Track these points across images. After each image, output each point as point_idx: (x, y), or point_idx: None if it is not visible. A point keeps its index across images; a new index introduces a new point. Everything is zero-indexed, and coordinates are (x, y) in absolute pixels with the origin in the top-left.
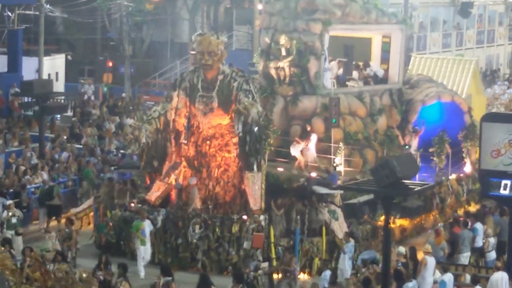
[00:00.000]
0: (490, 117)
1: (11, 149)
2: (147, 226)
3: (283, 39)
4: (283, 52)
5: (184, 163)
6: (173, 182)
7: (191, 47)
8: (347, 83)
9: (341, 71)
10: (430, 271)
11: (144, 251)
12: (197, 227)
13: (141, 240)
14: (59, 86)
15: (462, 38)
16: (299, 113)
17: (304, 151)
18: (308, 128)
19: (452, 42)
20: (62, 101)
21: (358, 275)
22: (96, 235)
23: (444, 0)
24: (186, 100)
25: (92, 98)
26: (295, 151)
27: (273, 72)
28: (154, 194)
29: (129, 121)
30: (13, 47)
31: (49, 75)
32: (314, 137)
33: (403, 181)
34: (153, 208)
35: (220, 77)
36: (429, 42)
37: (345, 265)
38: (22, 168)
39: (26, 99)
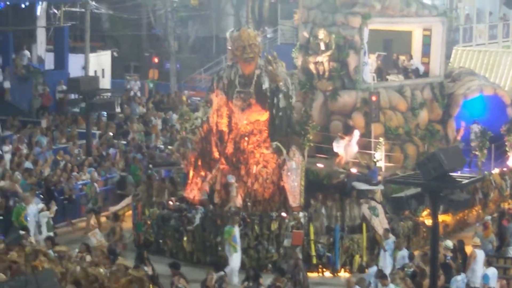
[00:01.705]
0: None
1: (59, 146)
2: (237, 232)
3: (321, 34)
4: (322, 47)
5: (222, 160)
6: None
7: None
8: (387, 77)
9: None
10: (480, 264)
11: (236, 258)
12: (236, 225)
13: (233, 246)
14: (105, 82)
15: (509, 29)
16: (339, 108)
17: (346, 147)
18: (351, 123)
19: (499, 33)
20: (109, 97)
21: (405, 269)
22: (134, 234)
23: None
24: (225, 99)
25: (138, 94)
26: (338, 147)
27: (312, 67)
28: (193, 193)
29: (175, 116)
30: (60, 45)
31: (95, 71)
32: (357, 133)
33: (450, 174)
34: (192, 206)
35: (258, 71)
36: (475, 34)
37: (386, 262)
38: (70, 165)
39: (72, 96)
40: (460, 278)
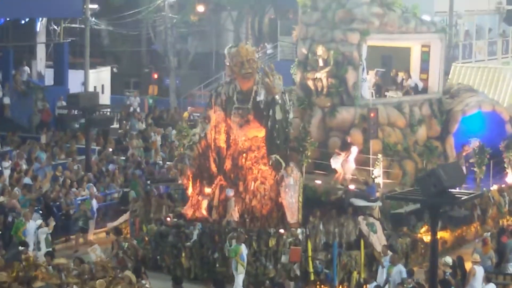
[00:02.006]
0: None
1: (58, 162)
2: (244, 250)
3: (320, 50)
4: (321, 63)
5: (220, 177)
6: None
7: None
8: (385, 93)
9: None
10: (479, 280)
11: (242, 276)
12: (234, 241)
13: (241, 265)
14: (105, 98)
15: (508, 46)
16: (337, 124)
17: (344, 163)
18: (349, 140)
19: (498, 50)
20: (108, 113)
21: (405, 285)
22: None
23: (489, 8)
24: (223, 115)
25: (138, 110)
26: (335, 163)
27: (310, 83)
28: (190, 209)
29: (174, 132)
30: (59, 61)
31: (95, 87)
32: (354, 149)
33: (449, 190)
34: (189, 222)
35: (256, 87)
36: (475, 50)
37: (383, 278)
38: (69, 181)
39: (72, 112)
40: None
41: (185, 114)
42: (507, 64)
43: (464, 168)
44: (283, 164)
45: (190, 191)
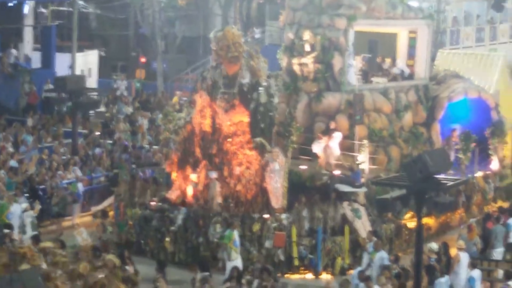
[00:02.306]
0: None
1: (45, 145)
2: (237, 236)
3: (307, 35)
4: (307, 48)
5: (204, 161)
6: (194, 180)
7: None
8: (371, 79)
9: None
10: (464, 266)
11: (236, 263)
12: (218, 226)
13: (234, 251)
14: (92, 82)
15: (496, 33)
16: (323, 110)
17: (326, 148)
18: (332, 126)
19: (486, 36)
20: (95, 97)
21: (390, 271)
22: (116, 234)
23: None
24: (208, 99)
25: (125, 93)
26: (316, 148)
27: (296, 68)
28: (174, 193)
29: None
30: (47, 43)
31: (82, 71)
32: (338, 135)
33: (435, 176)
34: (174, 207)
35: (241, 72)
36: (463, 36)
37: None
38: (55, 164)
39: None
40: (444, 280)
41: (175, 99)
42: (494, 50)
43: (452, 154)
44: (268, 147)
45: (174, 175)
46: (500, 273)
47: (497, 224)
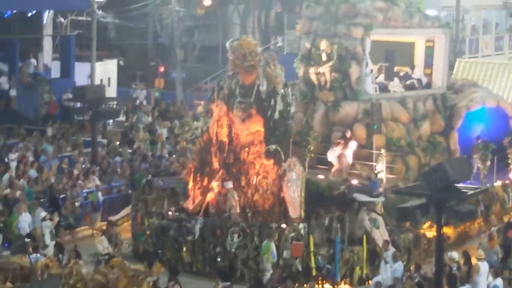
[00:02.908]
0: None
1: (64, 154)
2: (273, 246)
3: (323, 44)
4: (324, 57)
5: (222, 171)
6: (214, 189)
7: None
8: (389, 88)
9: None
10: (484, 276)
11: None
12: (236, 235)
13: (271, 262)
14: (111, 91)
15: None
16: (340, 119)
17: (340, 156)
18: (348, 134)
19: (505, 45)
20: (114, 106)
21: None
22: (133, 244)
23: (496, 3)
24: (225, 109)
25: (144, 103)
26: (331, 156)
27: (313, 77)
28: (192, 203)
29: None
30: (66, 53)
31: (101, 80)
32: (353, 144)
33: (455, 184)
34: (191, 216)
35: (258, 82)
36: (481, 45)
37: (387, 273)
38: (76, 172)
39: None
40: None
41: (200, 108)
42: None
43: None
44: (281, 155)
45: (191, 185)
46: None
47: None
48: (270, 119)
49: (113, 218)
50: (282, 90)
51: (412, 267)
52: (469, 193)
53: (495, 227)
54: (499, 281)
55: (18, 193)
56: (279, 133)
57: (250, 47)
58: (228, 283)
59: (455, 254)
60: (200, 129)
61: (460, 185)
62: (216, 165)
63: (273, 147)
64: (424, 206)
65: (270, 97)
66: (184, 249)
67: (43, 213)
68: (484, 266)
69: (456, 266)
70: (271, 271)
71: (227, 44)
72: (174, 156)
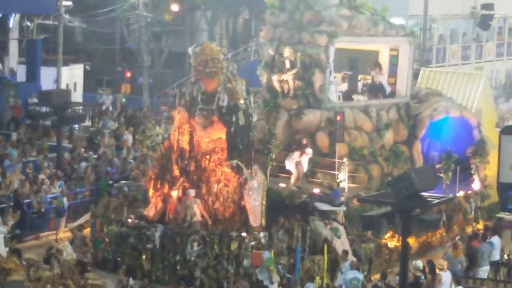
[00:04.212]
0: (510, 130)
1: (29, 159)
2: None
3: (287, 51)
4: (287, 65)
5: (182, 178)
6: (174, 197)
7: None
8: (353, 96)
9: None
10: (446, 285)
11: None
12: (196, 244)
13: (275, 272)
14: (77, 96)
15: (482, 51)
16: (303, 127)
17: (297, 164)
18: (304, 142)
19: (472, 54)
20: (80, 111)
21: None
22: (92, 251)
23: (463, 12)
24: (186, 115)
25: (110, 108)
26: (289, 164)
27: (276, 85)
28: (152, 210)
29: None
30: (32, 57)
31: (67, 85)
32: (309, 151)
33: (421, 193)
34: (151, 224)
35: (219, 89)
36: (449, 54)
37: (341, 282)
38: (41, 177)
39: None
40: None
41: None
42: (480, 69)
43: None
44: (244, 170)
45: (151, 192)
46: None
47: (483, 242)
48: (232, 134)
49: (72, 224)
50: (243, 105)
51: (375, 277)
52: (435, 202)
53: (459, 237)
54: None
55: None
56: (242, 147)
57: (213, 53)
58: None
59: (419, 263)
60: (161, 136)
61: (426, 194)
62: (176, 172)
63: (234, 162)
64: (389, 215)
65: (231, 112)
66: (144, 257)
67: None
68: (446, 276)
69: (424, 275)
70: (276, 283)
71: (190, 50)
72: (134, 162)
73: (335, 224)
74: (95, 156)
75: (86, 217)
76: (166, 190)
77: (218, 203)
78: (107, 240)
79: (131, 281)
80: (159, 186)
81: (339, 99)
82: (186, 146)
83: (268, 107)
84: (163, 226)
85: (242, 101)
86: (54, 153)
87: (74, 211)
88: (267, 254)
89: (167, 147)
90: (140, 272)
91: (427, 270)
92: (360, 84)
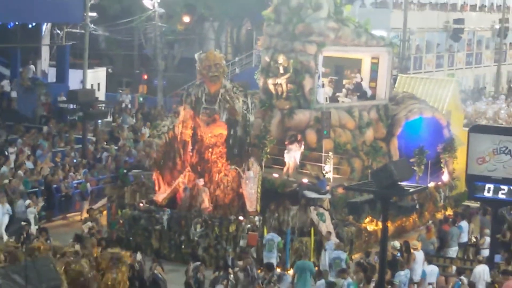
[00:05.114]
0: (477, 129)
1: (58, 149)
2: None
3: (281, 59)
4: (281, 70)
5: (188, 168)
6: (180, 185)
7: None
8: (338, 98)
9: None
10: (419, 263)
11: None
12: (198, 226)
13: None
14: (100, 95)
15: (453, 60)
16: (294, 125)
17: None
18: (299, 138)
19: (445, 63)
20: (103, 108)
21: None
22: (108, 231)
23: (438, 26)
24: (191, 113)
25: (129, 106)
26: (287, 157)
27: (271, 87)
28: (161, 196)
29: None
30: (61, 61)
31: (91, 85)
32: (301, 147)
33: (399, 183)
34: (160, 208)
35: (222, 90)
36: (424, 62)
37: (326, 260)
38: (67, 166)
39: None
40: (403, 273)
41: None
42: (452, 75)
43: None
44: (241, 172)
45: (154, 175)
46: (453, 269)
47: (453, 226)
48: (230, 143)
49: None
50: (242, 120)
51: (355, 256)
52: (411, 190)
53: (431, 221)
54: (429, 268)
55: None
56: (239, 151)
57: (216, 59)
58: (199, 263)
59: (397, 243)
60: (167, 127)
61: (403, 183)
62: (178, 160)
63: (233, 167)
64: (371, 201)
65: (230, 126)
66: (153, 236)
67: (28, 201)
68: (419, 255)
69: (400, 254)
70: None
71: (196, 56)
72: (141, 145)
73: (321, 210)
74: (115, 148)
75: (103, 201)
76: (168, 175)
77: (219, 190)
78: (121, 221)
79: (138, 255)
80: (166, 173)
81: (326, 100)
82: (188, 139)
83: (264, 107)
84: (170, 210)
85: (240, 118)
86: (79, 144)
87: (96, 195)
88: (277, 238)
89: (172, 137)
90: (150, 250)
91: (403, 249)
92: (344, 88)
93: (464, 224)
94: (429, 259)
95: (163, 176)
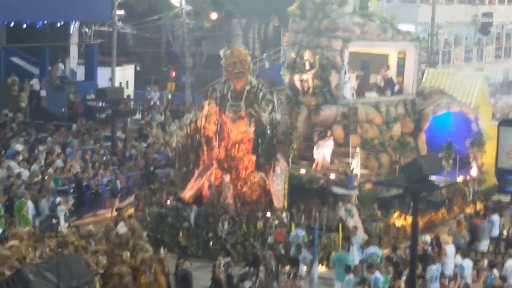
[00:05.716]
0: (507, 122)
1: (87, 147)
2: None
3: (307, 54)
4: (307, 66)
5: (215, 165)
6: (206, 182)
7: (222, 61)
8: (365, 94)
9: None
10: (451, 257)
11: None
12: (226, 223)
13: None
14: (129, 93)
15: (482, 53)
16: (321, 121)
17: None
18: (328, 134)
19: (473, 56)
20: (132, 106)
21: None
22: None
23: (466, 19)
24: (217, 109)
25: (157, 103)
26: (317, 153)
27: (298, 84)
28: (188, 193)
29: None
30: (90, 59)
31: (120, 83)
32: (331, 143)
33: (429, 177)
34: (187, 205)
35: (248, 87)
36: (453, 56)
37: (354, 255)
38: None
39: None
40: (434, 267)
41: None
42: (480, 69)
43: None
44: (266, 180)
45: (177, 166)
46: (485, 262)
47: (483, 220)
48: (258, 152)
49: (119, 205)
50: (269, 129)
51: (384, 251)
52: (441, 185)
53: (462, 215)
54: (466, 262)
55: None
56: (264, 159)
57: (241, 56)
58: (229, 259)
59: (427, 237)
60: (189, 119)
61: (433, 178)
62: (199, 153)
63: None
64: (400, 196)
65: (257, 136)
66: (181, 234)
67: (58, 198)
68: (450, 249)
69: (430, 248)
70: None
71: (221, 53)
72: (161, 133)
73: (349, 206)
74: (145, 145)
75: (130, 199)
76: (200, 176)
77: (246, 187)
78: (148, 219)
79: (162, 251)
80: (193, 170)
81: (353, 96)
82: (211, 134)
83: (290, 103)
84: (197, 207)
85: (267, 128)
86: (109, 142)
87: (126, 192)
88: (301, 232)
89: (193, 129)
90: (177, 247)
91: (434, 244)
92: (371, 83)
93: (495, 218)
94: (465, 253)
95: (188, 172)
